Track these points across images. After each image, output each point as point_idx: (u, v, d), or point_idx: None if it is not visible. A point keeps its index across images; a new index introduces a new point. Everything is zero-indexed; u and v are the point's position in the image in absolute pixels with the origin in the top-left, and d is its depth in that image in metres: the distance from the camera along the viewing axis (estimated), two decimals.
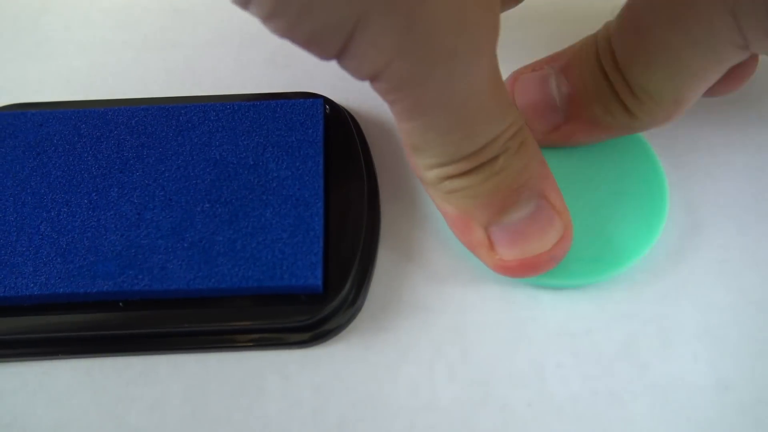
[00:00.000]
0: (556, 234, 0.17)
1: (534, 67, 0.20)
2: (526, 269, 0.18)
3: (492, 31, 0.14)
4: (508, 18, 0.20)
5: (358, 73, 0.14)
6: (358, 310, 0.19)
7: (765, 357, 0.18)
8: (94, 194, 0.20)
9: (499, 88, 0.15)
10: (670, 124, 0.18)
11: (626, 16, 0.17)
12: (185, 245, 0.19)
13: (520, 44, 0.23)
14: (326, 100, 0.22)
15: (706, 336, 0.19)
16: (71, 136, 0.21)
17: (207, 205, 0.20)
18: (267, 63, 0.25)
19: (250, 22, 0.27)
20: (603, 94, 0.18)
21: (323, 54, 0.13)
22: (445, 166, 0.16)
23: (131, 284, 0.18)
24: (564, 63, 0.19)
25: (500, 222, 0.17)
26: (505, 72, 0.17)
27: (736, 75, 0.18)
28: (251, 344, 0.19)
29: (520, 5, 0.21)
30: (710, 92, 0.18)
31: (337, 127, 0.22)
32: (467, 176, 0.16)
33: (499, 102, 0.15)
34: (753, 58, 0.18)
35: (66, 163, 0.21)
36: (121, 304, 0.19)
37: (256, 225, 0.19)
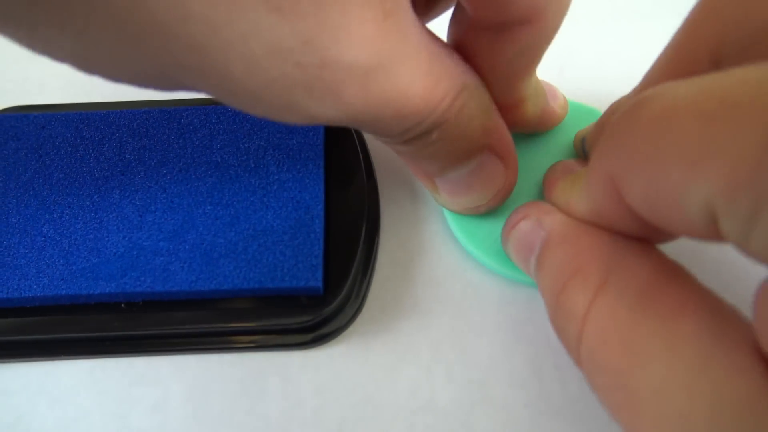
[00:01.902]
0: (496, 186, 0.18)
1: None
2: (467, 213, 0.20)
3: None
4: None
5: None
6: (359, 311, 0.20)
7: None
8: (96, 196, 0.20)
9: (415, 67, 0.14)
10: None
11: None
12: (187, 247, 0.19)
13: None
14: None
15: None
16: (73, 138, 0.21)
17: (208, 208, 0.20)
18: None
19: None
20: None
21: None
22: (382, 137, 0.16)
23: (133, 286, 0.18)
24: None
25: (443, 176, 0.18)
26: None
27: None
28: (252, 345, 0.19)
29: None
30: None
31: (338, 129, 0.22)
32: (405, 145, 0.16)
33: (418, 85, 0.14)
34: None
35: (68, 166, 0.21)
36: (123, 305, 0.19)
37: (257, 227, 0.19)
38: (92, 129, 0.22)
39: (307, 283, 0.18)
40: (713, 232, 0.11)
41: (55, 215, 0.20)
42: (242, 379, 0.19)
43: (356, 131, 0.22)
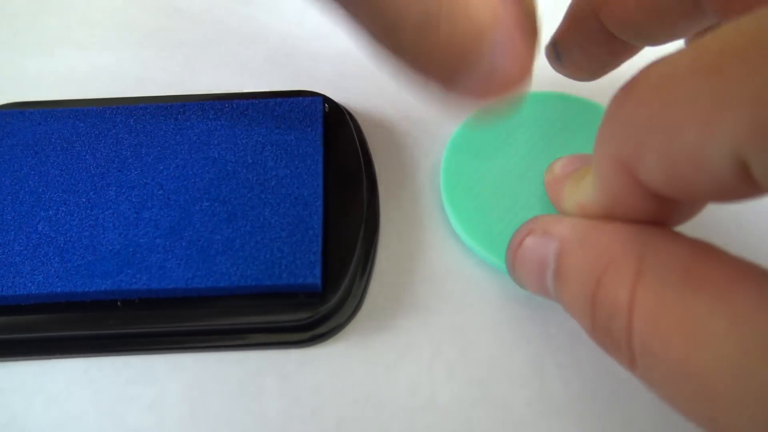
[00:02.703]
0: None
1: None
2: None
3: None
4: None
5: None
6: (358, 309, 0.19)
7: None
8: (92, 193, 0.20)
9: None
10: None
11: None
12: (183, 244, 0.19)
13: None
14: (325, 99, 0.22)
15: None
16: (69, 134, 0.21)
17: (206, 204, 0.19)
18: (266, 61, 0.25)
19: (250, 21, 0.27)
20: None
21: None
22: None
23: (129, 283, 0.18)
24: None
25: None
26: None
27: None
28: (249, 343, 0.19)
29: None
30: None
31: (337, 125, 0.22)
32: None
33: None
34: None
35: (64, 162, 0.21)
36: (119, 303, 0.19)
37: (255, 224, 0.19)
38: (88, 125, 0.21)
39: (305, 280, 0.18)
40: (745, 184, 0.11)
41: (50, 212, 0.20)
42: (240, 377, 0.19)
43: (355, 126, 0.22)
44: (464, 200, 0.20)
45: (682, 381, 0.12)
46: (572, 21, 0.18)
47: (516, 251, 0.16)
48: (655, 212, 0.14)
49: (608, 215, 0.14)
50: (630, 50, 0.18)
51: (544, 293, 0.16)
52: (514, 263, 0.17)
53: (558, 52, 0.19)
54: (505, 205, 0.20)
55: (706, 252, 0.13)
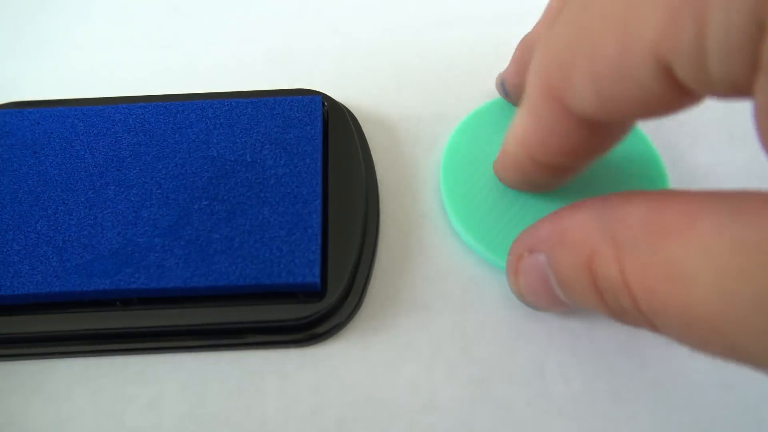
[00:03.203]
0: None
1: None
2: None
3: None
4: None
5: None
6: (357, 308, 0.19)
7: None
8: (90, 192, 0.20)
9: None
10: None
11: None
12: (182, 243, 0.19)
13: None
14: (325, 97, 0.22)
15: None
16: (68, 134, 0.21)
17: (204, 203, 0.19)
18: (265, 60, 0.25)
19: (249, 20, 0.27)
20: None
21: None
22: None
23: (128, 283, 0.18)
24: None
25: None
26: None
27: None
28: (249, 343, 0.19)
29: None
30: None
31: (336, 124, 0.22)
32: None
33: None
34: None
35: (63, 161, 0.20)
36: (117, 302, 0.19)
37: (254, 222, 0.19)
38: (87, 124, 0.21)
39: (305, 279, 0.18)
40: (672, 90, 0.11)
41: (49, 211, 0.19)
42: (239, 377, 0.18)
43: (355, 125, 0.22)
44: (464, 199, 0.20)
45: (693, 323, 0.12)
46: (517, 65, 0.20)
47: (516, 279, 0.17)
48: (586, 139, 0.14)
49: (543, 145, 0.15)
50: None
51: (563, 306, 0.16)
52: (523, 293, 0.17)
53: (505, 89, 0.21)
54: (506, 203, 0.20)
55: (659, 200, 0.13)
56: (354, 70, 0.25)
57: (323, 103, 0.22)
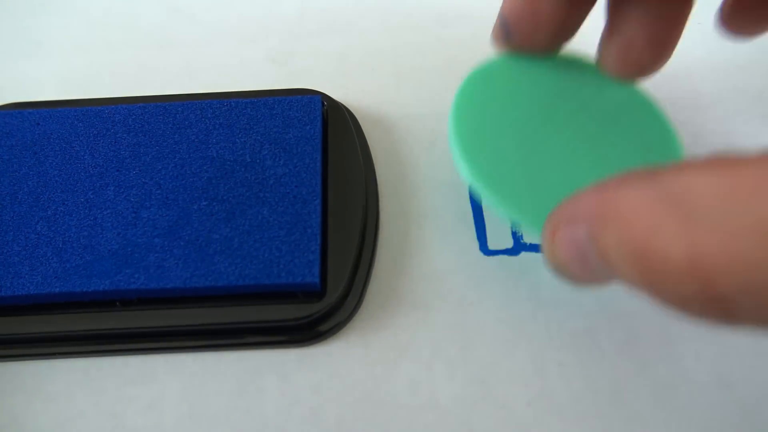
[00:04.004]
0: None
1: None
2: None
3: None
4: None
5: None
6: (357, 307, 0.19)
7: (767, 355, 0.18)
8: (90, 193, 0.20)
9: None
10: None
11: None
12: (182, 243, 0.19)
13: None
14: (324, 97, 0.22)
15: (708, 334, 0.19)
16: (68, 134, 0.21)
17: (204, 203, 0.19)
18: (265, 60, 0.25)
19: (249, 20, 0.27)
20: None
21: None
22: None
23: (128, 283, 0.18)
24: None
25: None
26: None
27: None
28: (248, 343, 0.19)
29: None
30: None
31: (336, 123, 0.22)
32: None
33: None
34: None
35: (63, 162, 0.20)
36: (117, 303, 0.19)
37: (254, 223, 0.19)
38: (87, 125, 0.21)
39: (304, 279, 0.18)
40: None
41: (49, 212, 0.19)
42: (239, 377, 0.18)
43: (355, 125, 0.22)
44: (475, 147, 0.18)
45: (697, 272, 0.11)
46: None
47: (554, 252, 0.16)
48: None
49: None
50: (584, 8, 0.18)
51: (599, 280, 0.15)
52: (558, 265, 0.16)
53: (508, 27, 0.19)
54: (521, 154, 0.18)
55: (723, 165, 0.12)
56: (353, 69, 0.25)
57: (323, 103, 0.22)
